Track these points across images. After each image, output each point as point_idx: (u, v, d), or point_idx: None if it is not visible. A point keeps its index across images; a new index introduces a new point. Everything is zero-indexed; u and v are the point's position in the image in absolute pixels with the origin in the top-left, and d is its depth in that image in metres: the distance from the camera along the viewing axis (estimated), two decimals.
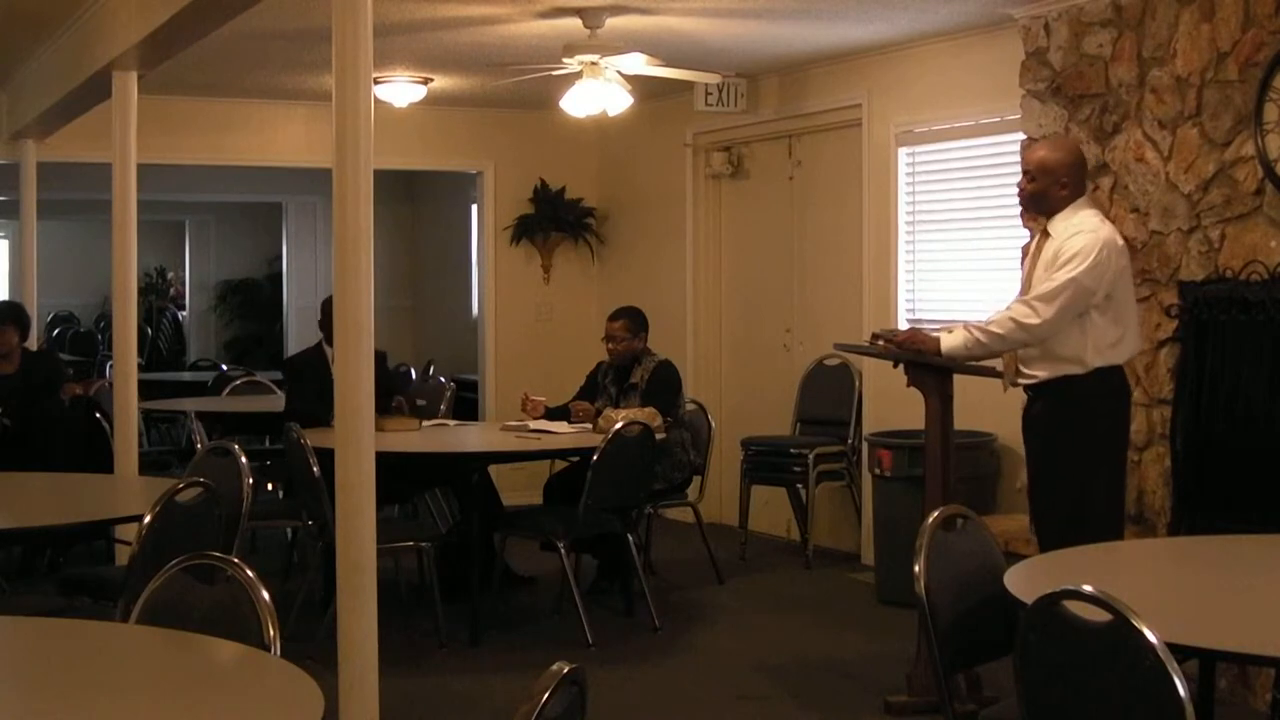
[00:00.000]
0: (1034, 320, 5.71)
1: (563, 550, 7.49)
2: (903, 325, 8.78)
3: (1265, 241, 6.37)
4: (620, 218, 12.03)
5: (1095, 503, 5.76)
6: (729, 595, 8.63)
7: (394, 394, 8.44)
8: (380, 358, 8.20)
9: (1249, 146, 6.45)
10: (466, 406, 11.82)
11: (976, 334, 5.85)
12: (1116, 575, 4.39)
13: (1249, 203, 6.46)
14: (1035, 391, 5.92)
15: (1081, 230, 5.76)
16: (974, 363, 6.04)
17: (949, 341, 5.93)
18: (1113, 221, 6.80)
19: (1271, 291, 6.26)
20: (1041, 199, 5.95)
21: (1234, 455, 6.42)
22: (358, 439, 5.14)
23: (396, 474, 7.28)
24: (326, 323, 7.85)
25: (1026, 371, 5.91)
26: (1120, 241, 5.86)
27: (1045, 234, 5.93)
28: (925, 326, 7.52)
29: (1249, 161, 6.45)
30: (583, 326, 11.60)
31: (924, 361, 6.04)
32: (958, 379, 6.21)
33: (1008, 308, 5.83)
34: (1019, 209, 7.54)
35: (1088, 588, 3.32)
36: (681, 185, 11.15)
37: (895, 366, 6.30)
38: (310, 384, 8.04)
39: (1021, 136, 7.70)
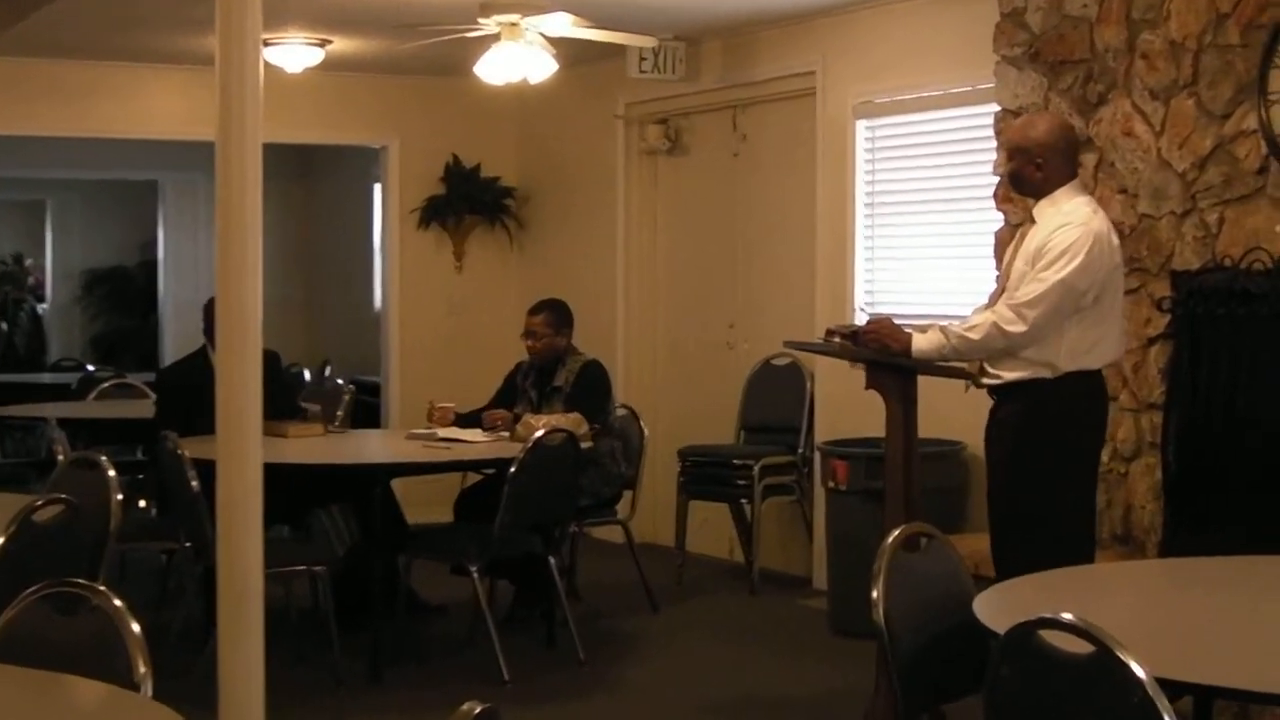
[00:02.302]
0: (1019, 329, 5.71)
1: (475, 574, 7.47)
2: (860, 320, 8.81)
3: (1269, 226, 6.41)
4: (543, 199, 12.01)
5: (1060, 520, 5.78)
6: (664, 624, 8.63)
7: (289, 397, 8.41)
8: (272, 358, 8.20)
9: (1251, 119, 6.48)
10: (367, 412, 11.78)
11: (953, 338, 5.84)
12: (1100, 601, 4.41)
13: (1251, 183, 6.51)
14: (1000, 394, 5.94)
15: (1070, 222, 5.76)
16: (942, 363, 6.07)
17: (921, 342, 5.92)
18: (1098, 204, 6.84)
19: (1276, 282, 6.30)
20: (1018, 181, 5.99)
21: (1234, 466, 6.45)
22: (242, 448, 5.10)
23: (287, 489, 7.23)
24: (212, 328, 7.81)
25: (991, 371, 5.92)
26: (1115, 239, 5.88)
27: (1031, 220, 5.95)
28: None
29: (1251, 136, 6.49)
30: (500, 322, 11.57)
31: (888, 361, 6.04)
32: (922, 380, 6.22)
33: (991, 310, 5.83)
34: (991, 190, 7.58)
35: (1067, 616, 3.33)
36: (612, 162, 11.15)
37: (854, 366, 6.31)
38: (180, 404, 7.97)
39: (995, 108, 7.73)
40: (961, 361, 6.01)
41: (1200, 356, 6.61)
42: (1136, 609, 4.42)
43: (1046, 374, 5.77)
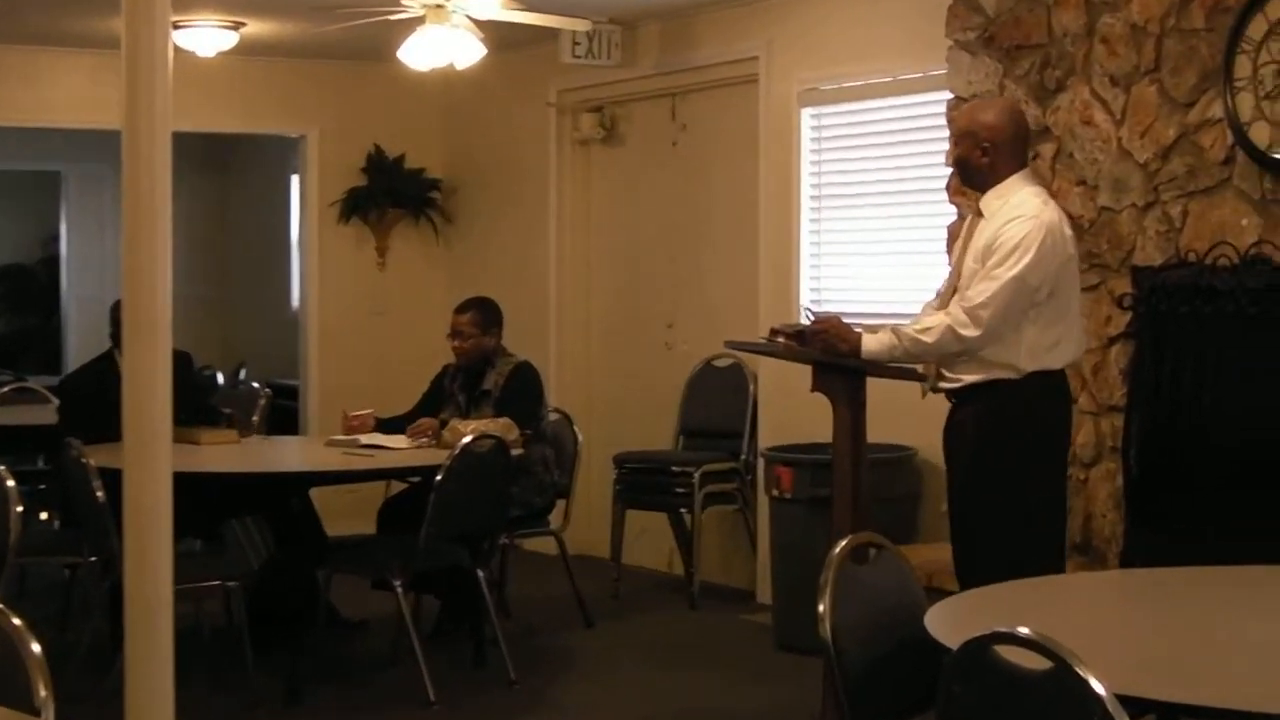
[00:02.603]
0: (973, 333, 5.72)
1: (399, 589, 7.45)
2: (806, 319, 8.81)
3: (1235, 219, 6.45)
4: (471, 192, 12.00)
5: (1029, 528, 5.81)
6: (599, 641, 8.64)
7: (201, 401, 8.37)
8: (183, 359, 8.17)
9: (1216, 107, 6.53)
10: (284, 417, 11.73)
11: (905, 340, 5.84)
12: (1057, 614, 4.43)
13: (1216, 174, 6.55)
14: (960, 397, 5.97)
15: (1020, 215, 5.78)
16: (893, 365, 6.08)
17: (871, 343, 5.92)
18: (1056, 197, 6.85)
19: (1242, 278, 6.33)
20: (964, 168, 6.02)
21: (1198, 471, 6.48)
22: (151, 456, 5.07)
23: (199, 499, 7.21)
24: (119, 333, 7.77)
25: (950, 375, 5.95)
26: (1068, 230, 5.91)
27: (979, 214, 5.98)
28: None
29: (1216, 125, 6.53)
30: (425, 321, 11.55)
31: (836, 362, 6.04)
32: (871, 383, 6.23)
33: (945, 312, 5.84)
34: (944, 183, 7.61)
35: (1023, 630, 3.34)
36: (544, 153, 11.14)
37: (799, 366, 6.32)
38: (85, 409, 7.92)
39: (948, 96, 7.75)
40: (913, 364, 6.03)
41: (1163, 357, 6.64)
42: (1096, 622, 4.45)
43: (1009, 375, 5.79)
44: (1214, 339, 6.45)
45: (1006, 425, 5.83)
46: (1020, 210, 5.80)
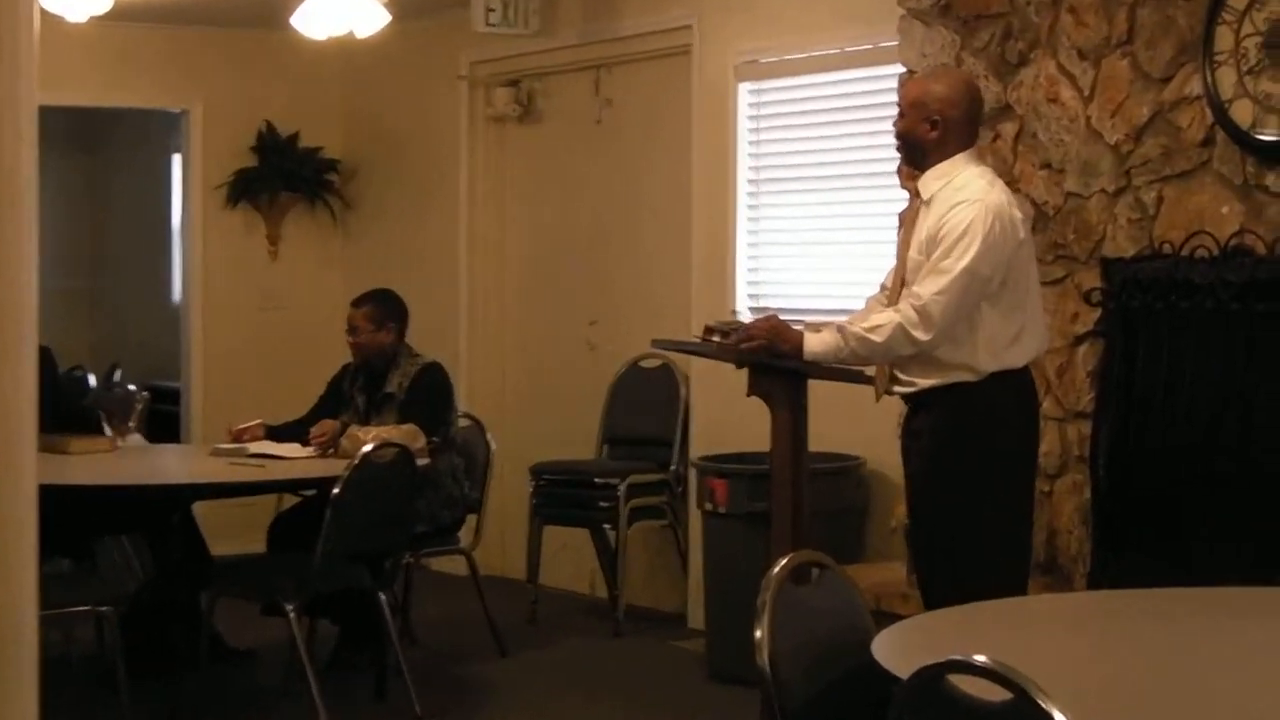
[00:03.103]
0: (926, 335, 5.73)
1: (292, 614, 7.44)
2: (744, 315, 8.83)
3: (1215, 206, 6.48)
4: (373, 174, 11.98)
5: (993, 544, 5.85)
6: (515, 671, 8.64)
7: (70, 405, 8.33)
8: (46, 356, 8.12)
9: (1195, 83, 6.55)
10: (164, 423, 11.68)
11: (852, 339, 5.84)
12: (1017, 640, 4.44)
13: (1194, 156, 6.58)
14: (915, 403, 5.99)
15: (965, 200, 5.81)
16: (838, 366, 6.10)
17: (814, 343, 5.92)
18: (1018, 181, 6.91)
19: (1222, 271, 6.36)
20: (908, 142, 6.03)
21: (1173, 483, 6.53)
22: (13, 467, 5.04)
23: (68, 515, 7.17)
24: None
25: (904, 377, 5.97)
26: (1018, 212, 5.94)
27: (916, 194, 6.01)
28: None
29: (1194, 103, 6.56)
30: (322, 317, 11.54)
31: (775, 364, 6.04)
32: (815, 386, 6.24)
33: (894, 309, 5.85)
34: (895, 166, 7.62)
35: (980, 657, 3.35)
36: (455, 131, 11.15)
37: (739, 369, 6.34)
38: None
39: (899, 70, 7.77)
40: (860, 365, 6.05)
41: (1135, 357, 6.68)
42: (1059, 649, 4.47)
43: (968, 377, 5.83)
44: (1190, 338, 6.49)
45: (967, 433, 5.87)
46: (964, 194, 5.83)
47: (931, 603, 5.69)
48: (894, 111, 7.73)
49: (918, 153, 6.01)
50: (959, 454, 5.88)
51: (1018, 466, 6.00)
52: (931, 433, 5.93)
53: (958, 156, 5.94)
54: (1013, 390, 5.92)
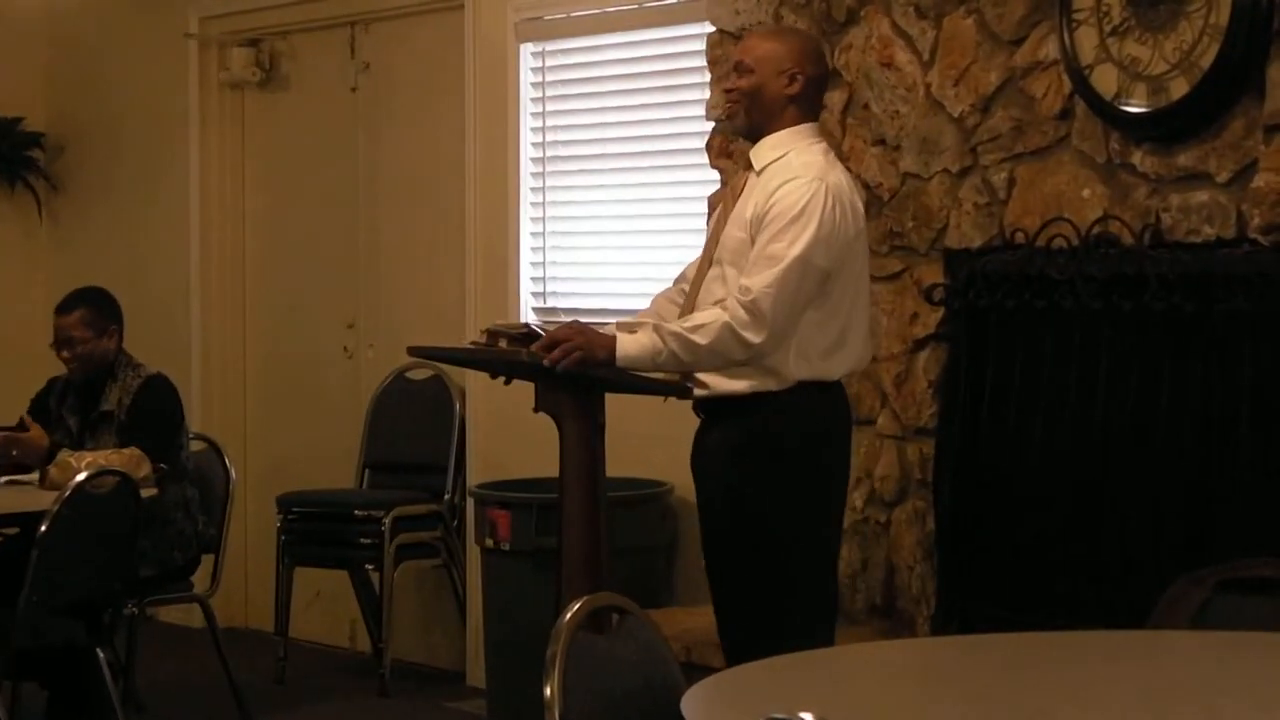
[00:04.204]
0: (758, 336, 5.72)
1: None
2: (529, 316, 8.86)
3: (1074, 189, 6.54)
4: (85, 151, 11.90)
5: (795, 582, 5.90)
6: None
7: None
8: None
9: (1050, 46, 6.61)
10: None
11: (670, 342, 5.79)
12: (846, 695, 4.50)
13: (1050, 131, 6.65)
14: (707, 412, 6.04)
15: (798, 175, 5.83)
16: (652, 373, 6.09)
17: (630, 346, 5.86)
18: (847, 160, 6.95)
19: (1083, 264, 6.44)
20: (757, 102, 6.00)
21: (1027, 509, 6.63)
22: None
23: None
24: None
25: (698, 377, 5.99)
26: (857, 198, 6.01)
27: (748, 165, 6.02)
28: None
29: (1050, 69, 6.63)
30: (22, 322, 11.44)
31: (583, 373, 5.95)
32: (614, 401, 6.26)
33: (722, 307, 5.81)
34: (704, 141, 7.65)
35: (805, 715, 3.42)
36: (182, 100, 11.11)
37: (508, 383, 6.35)
38: None
39: (708, 29, 7.82)
40: (682, 371, 6.01)
41: (984, 364, 6.77)
42: (897, 706, 4.55)
43: (770, 385, 5.86)
44: (1047, 340, 6.58)
45: (766, 451, 5.90)
46: (800, 170, 5.85)
47: (732, 650, 5.73)
48: (703, 78, 7.82)
49: (766, 115, 6.00)
50: (755, 476, 5.91)
51: (820, 491, 6.01)
52: (724, 450, 5.97)
53: (802, 126, 5.99)
54: (822, 404, 5.95)
